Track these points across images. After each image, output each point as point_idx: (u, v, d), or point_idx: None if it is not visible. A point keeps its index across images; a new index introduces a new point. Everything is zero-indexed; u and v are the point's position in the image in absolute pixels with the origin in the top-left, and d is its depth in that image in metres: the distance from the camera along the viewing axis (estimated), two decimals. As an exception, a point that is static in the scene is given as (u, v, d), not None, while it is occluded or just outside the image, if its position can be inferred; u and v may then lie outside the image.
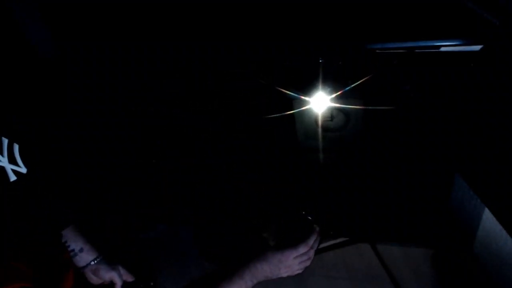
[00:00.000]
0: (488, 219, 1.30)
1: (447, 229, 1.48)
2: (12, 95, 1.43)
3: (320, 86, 1.23)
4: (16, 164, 0.85)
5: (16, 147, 0.87)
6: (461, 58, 1.15)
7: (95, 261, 0.86)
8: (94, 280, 0.87)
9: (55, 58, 1.55)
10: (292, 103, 1.29)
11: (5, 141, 0.85)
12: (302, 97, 1.26)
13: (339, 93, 1.22)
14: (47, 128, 1.25)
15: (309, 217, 0.81)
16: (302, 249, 0.76)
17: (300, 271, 0.79)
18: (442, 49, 1.15)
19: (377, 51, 1.18)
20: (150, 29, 1.42)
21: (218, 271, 0.76)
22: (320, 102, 1.26)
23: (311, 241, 0.77)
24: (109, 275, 0.86)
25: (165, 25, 1.39)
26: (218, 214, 1.42)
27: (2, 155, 0.83)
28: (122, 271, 0.89)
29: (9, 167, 0.84)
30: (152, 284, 0.93)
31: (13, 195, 0.79)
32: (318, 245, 0.82)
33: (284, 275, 0.77)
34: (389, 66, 1.19)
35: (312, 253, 0.78)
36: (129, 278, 0.90)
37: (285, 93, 1.26)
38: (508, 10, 1.08)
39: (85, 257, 0.85)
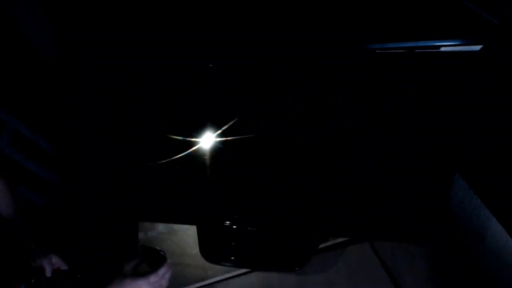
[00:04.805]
0: (488, 219, 1.29)
1: (447, 229, 1.48)
2: (12, 96, 1.43)
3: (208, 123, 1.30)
4: None
5: None
6: (461, 58, 1.15)
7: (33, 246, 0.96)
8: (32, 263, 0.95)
9: (56, 59, 1.55)
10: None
11: None
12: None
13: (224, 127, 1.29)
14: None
15: (162, 252, 0.95)
16: (153, 279, 0.89)
17: None
18: (442, 49, 1.15)
19: (377, 51, 1.18)
20: (150, 29, 1.42)
21: None
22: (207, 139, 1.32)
23: (161, 272, 0.91)
24: (40, 260, 0.93)
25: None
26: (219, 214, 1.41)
27: None
28: (55, 259, 0.96)
29: None
30: (78, 276, 1.01)
31: None
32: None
33: None
34: (389, 66, 1.19)
35: (164, 282, 0.92)
36: (62, 266, 0.97)
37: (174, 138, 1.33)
38: (508, 10, 1.08)
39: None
